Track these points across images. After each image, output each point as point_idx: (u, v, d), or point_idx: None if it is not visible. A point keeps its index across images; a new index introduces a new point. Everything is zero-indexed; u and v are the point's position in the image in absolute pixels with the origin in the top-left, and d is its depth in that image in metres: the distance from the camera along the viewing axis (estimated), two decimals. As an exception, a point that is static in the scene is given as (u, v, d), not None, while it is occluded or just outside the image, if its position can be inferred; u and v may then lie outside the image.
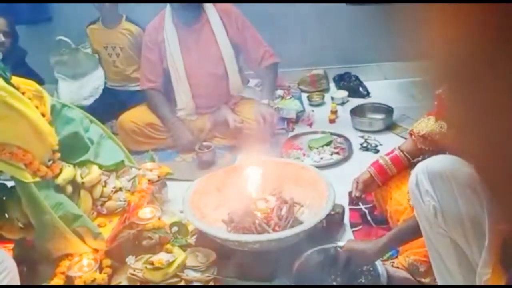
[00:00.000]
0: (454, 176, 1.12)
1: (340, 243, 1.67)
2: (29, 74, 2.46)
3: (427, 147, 1.61)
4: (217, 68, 2.63)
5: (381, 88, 3.21)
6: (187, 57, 2.61)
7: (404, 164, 1.70)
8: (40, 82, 2.45)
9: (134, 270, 1.57)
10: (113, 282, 1.59)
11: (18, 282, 1.35)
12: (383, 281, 1.47)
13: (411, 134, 1.66)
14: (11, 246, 1.63)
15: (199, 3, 2.58)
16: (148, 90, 2.72)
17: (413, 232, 1.33)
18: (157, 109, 2.69)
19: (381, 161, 1.73)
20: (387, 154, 1.74)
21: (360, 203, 1.93)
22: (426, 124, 1.60)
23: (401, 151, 1.70)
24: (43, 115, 1.55)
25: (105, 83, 3.12)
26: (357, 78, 3.31)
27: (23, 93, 1.48)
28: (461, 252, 1.18)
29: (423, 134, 1.60)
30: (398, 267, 1.56)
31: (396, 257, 1.61)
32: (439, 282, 1.28)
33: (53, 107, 1.64)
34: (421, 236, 1.29)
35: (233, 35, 2.61)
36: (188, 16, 2.57)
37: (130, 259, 1.60)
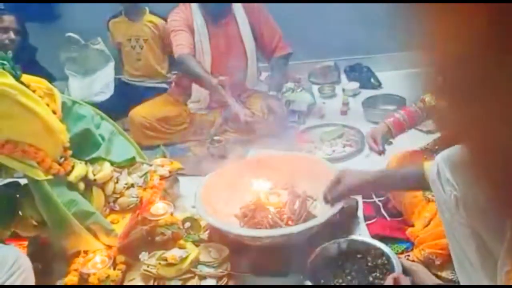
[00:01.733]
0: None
1: (354, 237, 1.66)
2: (40, 71, 2.47)
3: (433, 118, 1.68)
4: (240, 62, 2.64)
5: (393, 78, 3.16)
6: (215, 51, 2.60)
7: (417, 119, 1.77)
8: (51, 79, 2.46)
9: (148, 266, 1.57)
10: (127, 279, 1.59)
11: (32, 281, 1.36)
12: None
13: (422, 102, 1.74)
14: (25, 243, 1.64)
15: (219, 12, 2.58)
16: (184, 55, 2.53)
17: (408, 179, 1.32)
18: (195, 70, 2.49)
19: (397, 115, 1.80)
20: (402, 110, 1.82)
21: (374, 196, 1.91)
22: None
23: (416, 106, 1.76)
24: (54, 113, 1.55)
25: (118, 79, 3.13)
26: (368, 69, 3.27)
27: (33, 91, 1.48)
28: (482, 243, 1.16)
29: (434, 104, 1.65)
30: (413, 260, 1.54)
31: (412, 250, 1.59)
32: (459, 273, 1.26)
33: (64, 104, 1.65)
34: (415, 190, 1.35)
35: (250, 18, 2.61)
36: (218, 11, 2.56)
37: (144, 255, 1.60)
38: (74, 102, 1.73)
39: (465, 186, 1.13)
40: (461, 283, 1.26)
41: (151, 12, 3.04)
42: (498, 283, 0.99)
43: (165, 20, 2.96)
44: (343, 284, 1.51)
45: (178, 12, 2.63)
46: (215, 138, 2.50)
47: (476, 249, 1.16)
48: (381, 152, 1.78)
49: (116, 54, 3.20)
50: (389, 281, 1.27)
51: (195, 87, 2.66)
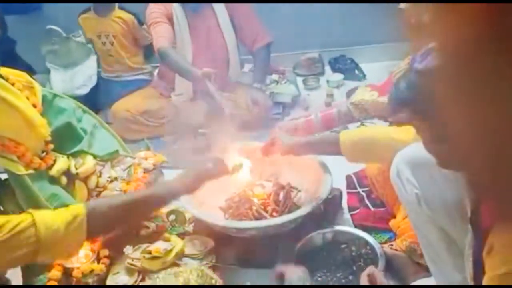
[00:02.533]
0: (433, 161, 1.10)
1: (338, 227, 1.67)
2: (20, 64, 2.43)
3: (358, 115, 1.71)
4: (221, 54, 2.63)
5: (377, 70, 3.18)
6: (196, 42, 2.59)
7: (333, 124, 1.82)
8: (31, 72, 2.43)
9: (132, 260, 1.56)
10: (111, 272, 1.58)
11: (18, 274, 1.34)
12: (382, 263, 1.47)
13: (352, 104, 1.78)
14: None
15: (198, 3, 2.55)
16: (165, 48, 2.47)
17: (325, 144, 1.57)
18: (178, 62, 2.45)
19: (312, 116, 1.83)
20: (323, 112, 1.83)
21: (357, 186, 1.93)
22: (361, 94, 1.67)
23: (339, 111, 1.77)
24: (35, 106, 1.53)
25: (99, 72, 3.09)
26: (352, 60, 3.28)
27: (12, 84, 1.46)
28: (448, 237, 1.18)
29: (353, 101, 1.68)
30: (396, 250, 1.56)
31: (394, 240, 1.61)
32: (430, 268, 1.29)
33: (44, 97, 1.62)
34: (332, 154, 1.53)
35: (229, 9, 2.59)
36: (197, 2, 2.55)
37: (128, 249, 1.59)
38: (55, 95, 1.70)
39: (426, 183, 1.14)
40: (432, 274, 1.29)
41: (120, 8, 2.98)
42: (467, 274, 1.00)
43: (134, 15, 2.92)
44: (327, 273, 1.52)
45: (157, 4, 2.59)
46: (200, 130, 2.49)
47: (443, 244, 1.19)
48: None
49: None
50: (363, 279, 1.22)
51: (178, 80, 2.64)
